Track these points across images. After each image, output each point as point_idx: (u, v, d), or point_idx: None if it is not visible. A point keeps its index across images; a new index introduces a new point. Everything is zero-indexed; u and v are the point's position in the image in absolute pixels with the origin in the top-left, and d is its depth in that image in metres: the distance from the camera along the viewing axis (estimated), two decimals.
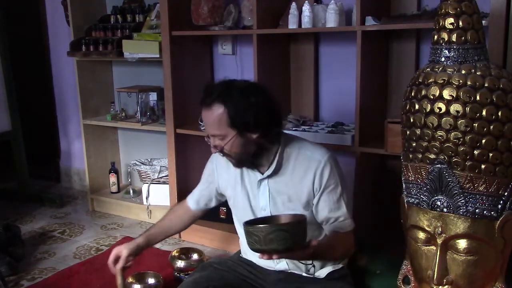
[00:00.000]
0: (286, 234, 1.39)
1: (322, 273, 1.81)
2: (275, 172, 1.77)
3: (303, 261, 1.67)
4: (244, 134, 1.68)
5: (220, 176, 1.94)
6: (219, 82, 1.75)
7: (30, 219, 3.48)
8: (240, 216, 1.88)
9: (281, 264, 1.83)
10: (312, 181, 1.73)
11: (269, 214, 1.76)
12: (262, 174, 1.78)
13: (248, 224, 1.46)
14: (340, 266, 1.85)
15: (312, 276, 1.80)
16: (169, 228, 2.04)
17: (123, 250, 1.86)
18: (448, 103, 1.35)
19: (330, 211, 1.75)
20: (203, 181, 2.03)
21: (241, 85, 1.73)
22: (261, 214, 1.80)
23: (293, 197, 1.76)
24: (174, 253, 2.57)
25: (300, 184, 1.75)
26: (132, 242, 1.91)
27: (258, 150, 1.72)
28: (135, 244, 1.89)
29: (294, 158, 1.77)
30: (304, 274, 1.81)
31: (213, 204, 2.04)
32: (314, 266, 1.73)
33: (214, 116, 1.66)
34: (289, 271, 1.83)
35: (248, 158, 1.73)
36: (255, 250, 1.44)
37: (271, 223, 1.51)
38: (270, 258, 1.46)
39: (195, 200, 2.04)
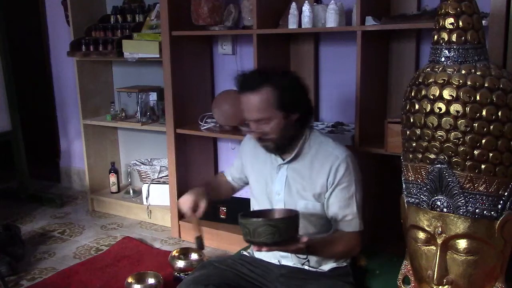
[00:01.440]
0: (274, 229, 1.45)
1: (325, 267, 1.84)
2: (295, 159, 1.83)
3: (298, 255, 1.72)
4: (287, 116, 1.75)
5: (245, 156, 2.02)
6: (256, 69, 1.84)
7: (30, 219, 3.48)
8: (256, 198, 1.96)
9: (285, 255, 1.85)
10: (327, 175, 1.79)
11: (283, 200, 1.84)
12: (283, 160, 1.85)
13: (242, 216, 1.53)
14: (344, 264, 1.87)
15: (315, 270, 1.83)
16: (220, 185, 2.12)
17: (202, 201, 1.82)
18: (448, 103, 1.35)
19: (340, 208, 1.79)
20: (237, 159, 2.11)
21: (282, 69, 1.84)
22: (275, 198, 1.87)
23: (307, 187, 1.82)
24: (174, 253, 2.57)
25: (316, 176, 1.80)
26: (203, 191, 1.86)
27: (295, 134, 1.80)
28: (206, 193, 1.86)
29: (315, 151, 1.83)
30: (307, 268, 1.83)
31: (245, 182, 2.10)
32: (308, 260, 1.78)
33: (262, 99, 1.72)
34: (293, 264, 1.85)
35: (286, 142, 1.80)
36: (246, 241, 1.53)
37: (266, 216, 1.59)
38: (260, 250, 1.53)
39: (230, 174, 2.13)
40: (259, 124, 1.76)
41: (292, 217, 1.53)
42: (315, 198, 1.81)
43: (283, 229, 1.46)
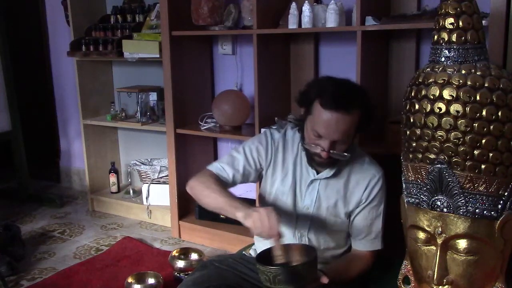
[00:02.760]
0: (295, 276, 1.41)
1: None
2: (333, 176, 1.77)
3: None
4: (355, 136, 1.72)
5: (275, 158, 1.83)
6: (346, 85, 1.67)
7: (30, 219, 3.48)
8: (279, 205, 1.79)
9: None
10: (363, 191, 1.76)
11: (310, 215, 1.78)
12: (317, 174, 1.77)
13: (260, 262, 1.46)
14: None
15: None
16: None
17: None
18: (448, 103, 1.35)
19: (365, 226, 1.78)
20: (248, 156, 1.83)
21: (362, 89, 1.73)
22: (302, 211, 1.79)
23: (340, 204, 1.77)
24: (174, 253, 2.57)
25: (351, 193, 1.78)
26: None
27: None
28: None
29: (350, 166, 1.78)
30: None
31: (247, 181, 1.86)
32: None
33: (352, 123, 1.63)
34: None
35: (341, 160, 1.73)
36: (266, 287, 1.47)
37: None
38: None
39: (233, 175, 1.81)
40: (338, 143, 1.65)
41: (312, 260, 1.48)
42: (346, 216, 1.79)
43: (304, 273, 1.43)
